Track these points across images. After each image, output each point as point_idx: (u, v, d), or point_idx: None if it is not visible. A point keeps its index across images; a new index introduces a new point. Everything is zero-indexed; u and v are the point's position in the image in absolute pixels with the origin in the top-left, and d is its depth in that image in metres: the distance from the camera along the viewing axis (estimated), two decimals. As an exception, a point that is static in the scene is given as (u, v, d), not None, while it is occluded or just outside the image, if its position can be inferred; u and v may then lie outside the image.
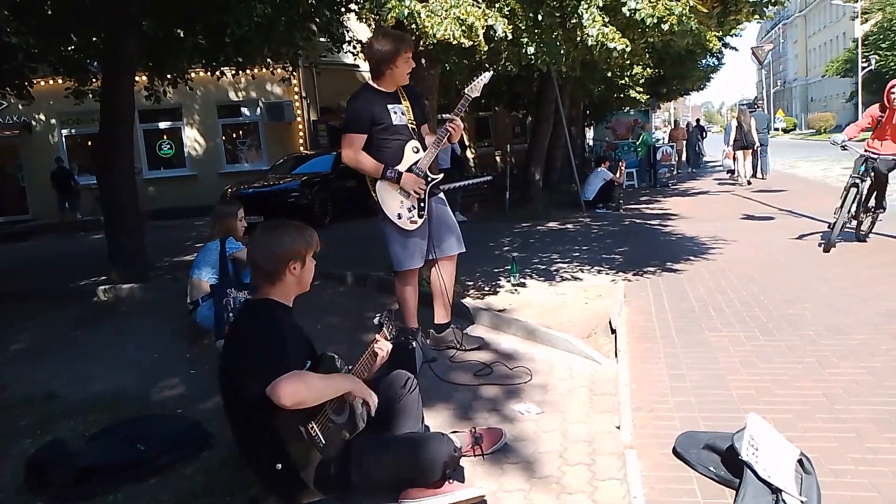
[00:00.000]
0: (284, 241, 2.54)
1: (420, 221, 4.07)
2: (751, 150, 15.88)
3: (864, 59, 38.83)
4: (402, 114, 4.04)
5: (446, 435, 2.72)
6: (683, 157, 23.02)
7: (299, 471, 2.32)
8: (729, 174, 17.36)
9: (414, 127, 4.09)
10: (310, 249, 2.58)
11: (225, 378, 2.51)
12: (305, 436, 2.33)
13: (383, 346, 2.74)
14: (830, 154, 24.40)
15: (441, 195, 4.30)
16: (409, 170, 4.01)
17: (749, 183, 15.57)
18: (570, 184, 14.60)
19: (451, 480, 2.59)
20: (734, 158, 16.28)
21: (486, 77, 4.03)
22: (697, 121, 30.95)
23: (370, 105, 3.99)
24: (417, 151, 4.05)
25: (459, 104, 4.01)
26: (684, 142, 23.19)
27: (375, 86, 4.06)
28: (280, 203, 12.28)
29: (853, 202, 7.10)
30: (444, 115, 4.42)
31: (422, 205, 4.06)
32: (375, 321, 2.82)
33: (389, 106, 4.01)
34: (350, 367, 2.68)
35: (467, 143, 23.13)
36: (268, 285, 2.56)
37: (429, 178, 4.07)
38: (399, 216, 4.04)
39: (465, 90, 4.01)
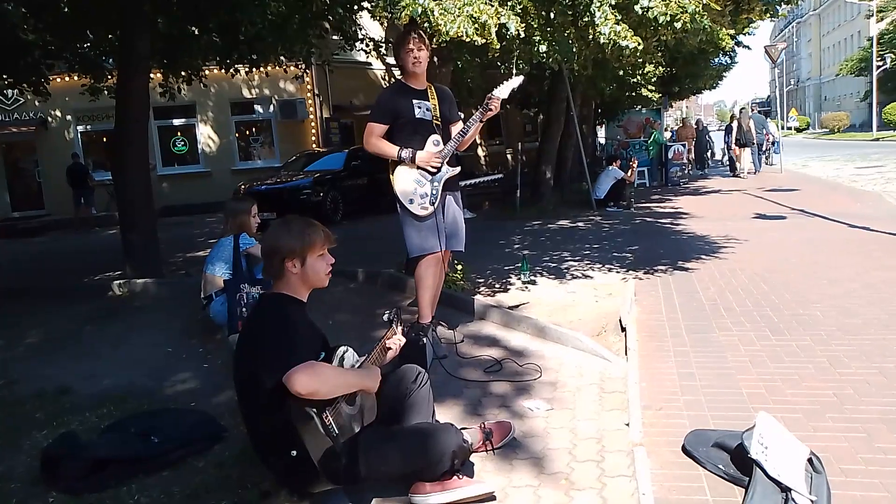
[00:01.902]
0: (279, 239, 2.57)
1: (431, 209, 4.14)
2: (749, 148, 18.28)
3: (878, 58, 38.45)
4: (428, 110, 4.16)
5: (454, 426, 2.74)
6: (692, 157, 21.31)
7: (313, 459, 2.35)
8: (731, 170, 19.18)
9: (438, 124, 4.20)
10: (309, 248, 2.56)
11: (239, 370, 2.55)
12: (320, 425, 2.36)
13: (396, 341, 2.77)
14: (843, 154, 24.27)
15: (458, 193, 4.38)
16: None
17: (745, 176, 17.92)
18: (581, 182, 14.57)
19: (460, 475, 2.61)
20: (737, 155, 18.63)
21: (516, 81, 4.11)
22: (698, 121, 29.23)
23: (396, 98, 4.17)
24: (438, 145, 4.16)
25: (484, 103, 4.05)
26: (693, 141, 21.38)
27: (405, 82, 4.22)
28: (292, 200, 12.34)
29: None
30: None
31: (434, 193, 4.13)
32: (385, 318, 2.85)
33: (415, 101, 4.14)
34: (363, 359, 2.71)
35: (478, 140, 23.11)
36: (275, 280, 2.62)
37: (445, 170, 4.15)
38: (411, 201, 4.13)
39: (494, 91, 4.06)
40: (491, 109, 4.03)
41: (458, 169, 4.26)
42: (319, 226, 2.65)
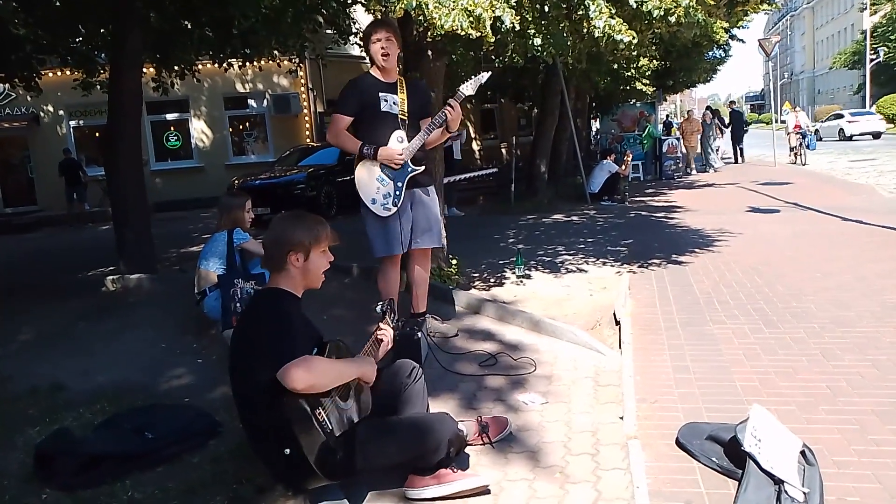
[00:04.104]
0: (287, 231, 2.57)
1: (394, 209, 4.08)
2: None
3: (872, 51, 38.60)
4: (394, 104, 4.08)
5: (449, 414, 2.75)
6: (694, 155, 18.90)
7: (307, 456, 2.34)
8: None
9: (404, 118, 4.11)
10: (315, 243, 2.58)
11: (234, 366, 2.54)
12: (314, 422, 2.36)
13: (386, 333, 2.78)
14: (836, 147, 24.33)
15: (430, 187, 4.31)
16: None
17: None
18: (576, 176, 14.59)
19: (454, 469, 2.62)
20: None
21: (483, 77, 4.06)
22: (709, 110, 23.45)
23: (361, 90, 4.08)
24: (402, 141, 4.08)
25: (448, 101, 4.01)
26: (698, 136, 18.80)
27: (374, 74, 4.13)
28: (286, 195, 12.31)
29: None
30: None
31: (398, 193, 4.07)
32: (378, 309, 2.85)
33: (381, 94, 4.06)
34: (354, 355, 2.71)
35: (473, 134, 23.09)
36: (274, 274, 2.61)
37: (409, 169, 4.08)
38: (373, 201, 4.07)
39: (460, 87, 4.03)
40: (452, 107, 3.96)
41: (423, 168, 4.18)
42: (326, 223, 2.66)
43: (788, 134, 19.64)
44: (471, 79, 4.04)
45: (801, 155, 18.90)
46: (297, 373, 2.26)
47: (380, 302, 2.88)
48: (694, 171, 18.41)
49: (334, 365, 2.49)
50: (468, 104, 17.45)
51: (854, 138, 29.21)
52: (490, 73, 4.21)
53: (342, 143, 4.12)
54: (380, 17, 5.16)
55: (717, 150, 20.12)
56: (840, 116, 31.66)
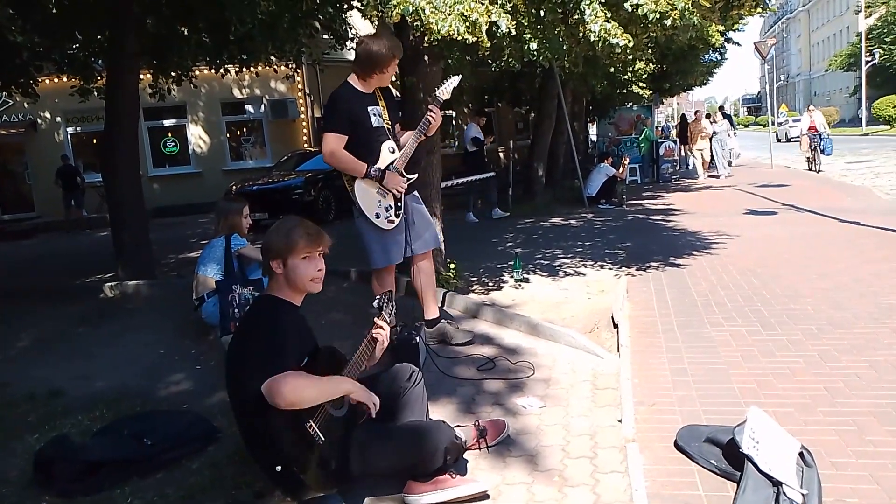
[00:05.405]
0: (268, 238, 2.59)
1: (397, 220, 4.11)
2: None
3: (867, 54, 38.72)
4: (380, 115, 4.09)
5: (446, 422, 2.75)
6: (699, 160, 17.55)
7: (298, 471, 2.34)
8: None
9: (389, 127, 4.14)
10: (289, 250, 2.53)
11: (230, 372, 2.55)
12: (304, 434, 2.35)
13: (382, 331, 2.72)
14: (833, 148, 24.36)
15: (416, 193, 4.33)
16: (387, 169, 4.04)
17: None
18: (573, 180, 14.59)
19: (453, 474, 2.61)
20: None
21: (455, 80, 4.13)
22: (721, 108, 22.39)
23: (351, 105, 4.03)
24: (393, 152, 4.10)
25: (429, 107, 4.05)
26: (708, 140, 17.40)
27: (356, 86, 4.09)
28: (284, 200, 12.33)
29: None
30: (444, 112, 4.45)
31: (398, 204, 4.10)
32: (375, 304, 2.82)
33: (369, 108, 4.05)
34: (350, 358, 2.70)
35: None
36: (270, 282, 2.62)
37: (405, 178, 4.10)
38: (377, 216, 4.07)
39: (437, 92, 4.07)
40: (435, 113, 4.00)
41: (416, 175, 4.23)
42: (308, 229, 2.58)
43: (802, 136, 17.79)
44: (443, 82, 4.10)
45: (814, 161, 16.92)
46: (281, 389, 2.24)
47: (377, 297, 2.85)
48: (715, 174, 17.29)
49: (317, 384, 2.41)
50: (464, 108, 17.46)
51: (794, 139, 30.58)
52: (461, 76, 4.27)
53: (343, 164, 4.00)
54: (377, 21, 5.16)
55: (730, 153, 18.48)
56: (785, 122, 36.05)
